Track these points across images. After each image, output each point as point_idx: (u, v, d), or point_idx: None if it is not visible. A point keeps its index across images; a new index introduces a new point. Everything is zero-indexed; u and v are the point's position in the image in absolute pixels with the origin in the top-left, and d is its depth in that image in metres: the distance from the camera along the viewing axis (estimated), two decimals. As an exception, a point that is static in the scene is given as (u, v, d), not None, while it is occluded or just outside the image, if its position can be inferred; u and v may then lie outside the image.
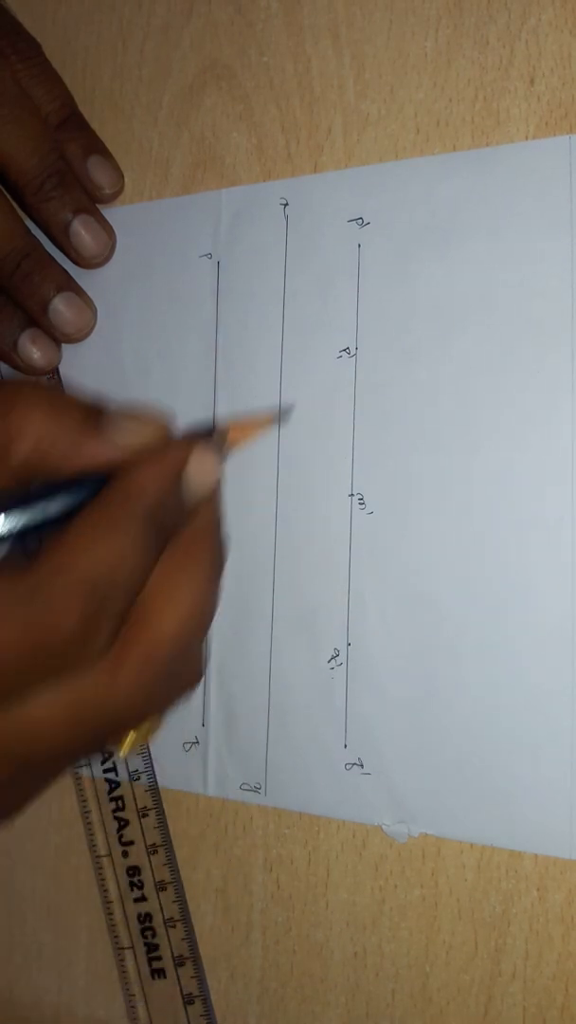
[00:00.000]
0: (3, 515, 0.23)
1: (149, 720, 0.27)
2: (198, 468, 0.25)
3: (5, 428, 0.24)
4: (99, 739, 0.25)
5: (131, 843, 0.34)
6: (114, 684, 0.24)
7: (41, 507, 0.24)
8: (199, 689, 0.33)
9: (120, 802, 0.34)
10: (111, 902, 0.34)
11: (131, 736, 0.28)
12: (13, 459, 0.24)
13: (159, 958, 0.34)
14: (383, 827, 0.30)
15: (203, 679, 0.33)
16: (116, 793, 0.35)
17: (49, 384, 0.28)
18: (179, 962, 0.33)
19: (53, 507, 0.24)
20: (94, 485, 0.24)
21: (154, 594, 0.24)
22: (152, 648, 0.24)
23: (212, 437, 0.26)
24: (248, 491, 0.33)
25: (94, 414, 0.25)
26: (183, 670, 0.26)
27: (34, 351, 0.35)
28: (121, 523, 0.23)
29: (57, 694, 0.23)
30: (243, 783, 0.32)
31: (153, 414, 0.25)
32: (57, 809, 0.37)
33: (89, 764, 0.35)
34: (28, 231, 0.34)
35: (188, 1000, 0.33)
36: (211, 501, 0.26)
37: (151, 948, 0.34)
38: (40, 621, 0.22)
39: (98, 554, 0.23)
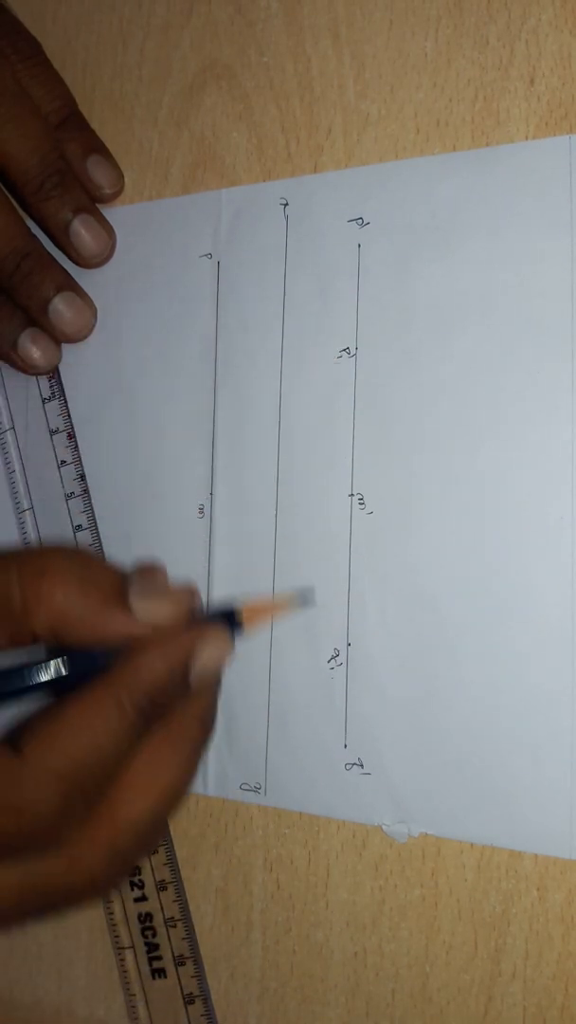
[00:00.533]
0: (25, 671, 0.25)
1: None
2: (209, 655, 0.26)
3: (35, 593, 0.24)
4: (52, 910, 0.26)
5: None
6: (71, 870, 0.24)
7: (54, 668, 0.25)
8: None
9: (120, 802, 0.34)
10: (111, 902, 0.34)
11: None
12: (36, 624, 0.25)
13: (159, 958, 0.34)
14: (383, 827, 0.30)
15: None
16: (116, 793, 0.35)
17: (81, 552, 0.27)
18: (179, 962, 0.33)
19: (65, 670, 0.25)
20: (108, 657, 0.25)
21: (131, 777, 0.25)
22: (118, 834, 0.25)
23: (232, 617, 0.27)
24: (248, 491, 0.33)
25: (122, 585, 0.25)
26: (149, 843, 0.26)
27: (34, 351, 0.35)
28: (110, 711, 0.24)
29: (13, 871, 0.24)
30: (243, 783, 0.32)
31: (180, 590, 0.26)
32: (57, 809, 0.37)
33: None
34: (28, 231, 0.34)
35: (188, 1000, 0.33)
36: (212, 683, 0.27)
37: (151, 948, 0.34)
38: (17, 807, 0.23)
39: (82, 743, 0.24)
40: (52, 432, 0.35)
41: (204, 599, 0.33)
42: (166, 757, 0.26)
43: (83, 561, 0.26)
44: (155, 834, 0.26)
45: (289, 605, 0.28)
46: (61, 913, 0.27)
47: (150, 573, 0.26)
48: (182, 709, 0.26)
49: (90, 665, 0.25)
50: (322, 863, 0.32)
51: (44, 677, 0.25)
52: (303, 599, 0.29)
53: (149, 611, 0.25)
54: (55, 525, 0.35)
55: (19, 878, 0.25)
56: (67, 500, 0.35)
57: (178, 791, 0.26)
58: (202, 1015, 0.33)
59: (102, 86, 0.36)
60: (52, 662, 0.26)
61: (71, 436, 0.35)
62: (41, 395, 0.36)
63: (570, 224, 0.29)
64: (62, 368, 0.36)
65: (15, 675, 0.25)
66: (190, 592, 0.26)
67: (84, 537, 0.34)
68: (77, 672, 0.26)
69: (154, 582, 0.26)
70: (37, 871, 0.25)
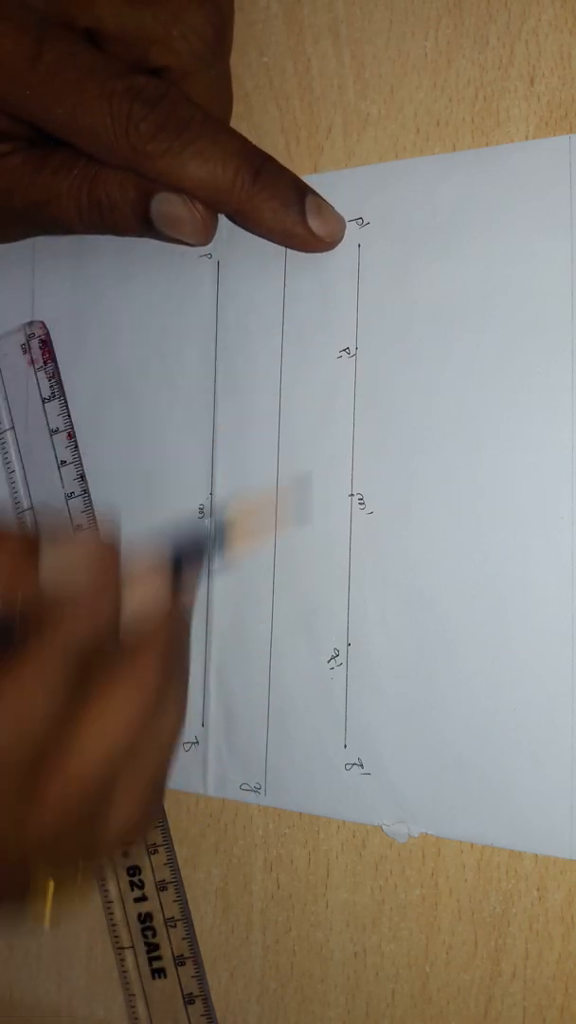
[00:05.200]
0: None
1: (73, 874, 0.25)
2: (138, 601, 0.24)
3: None
4: (8, 885, 0.25)
5: (131, 843, 0.34)
6: (21, 837, 0.23)
7: None
8: (199, 689, 0.33)
9: (120, 802, 0.34)
10: (111, 902, 0.34)
11: (50, 893, 0.25)
12: None
13: (159, 958, 0.34)
14: (383, 827, 0.30)
15: (204, 682, 0.33)
16: (116, 793, 0.35)
17: None
18: (179, 962, 0.33)
19: None
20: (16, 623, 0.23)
21: (74, 729, 0.23)
22: (67, 788, 0.23)
23: (211, 542, 0.25)
24: (248, 491, 0.33)
25: (31, 545, 0.24)
26: (106, 810, 0.24)
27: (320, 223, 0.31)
28: (30, 686, 0.22)
29: None
30: (243, 783, 0.32)
31: (92, 541, 0.24)
32: (57, 809, 0.37)
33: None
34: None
35: (188, 1000, 0.33)
36: (161, 625, 0.25)
37: (151, 948, 0.34)
38: None
39: (9, 715, 0.22)
40: (52, 432, 0.35)
41: (205, 601, 0.33)
42: (109, 702, 0.24)
43: None
44: (107, 780, 0.24)
45: (285, 509, 0.26)
46: (22, 892, 0.25)
47: (60, 539, 0.24)
48: (131, 655, 0.24)
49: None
50: (322, 863, 0.32)
51: None
52: (300, 490, 0.27)
53: (59, 570, 0.24)
54: (55, 525, 0.35)
55: None
56: (67, 500, 0.35)
57: (127, 731, 0.24)
58: (202, 1015, 0.33)
59: (102, 86, 0.36)
60: None
61: (71, 436, 0.35)
62: (41, 395, 0.36)
63: (570, 224, 0.29)
64: (62, 368, 0.36)
65: None
66: (106, 541, 0.24)
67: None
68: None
69: (64, 536, 0.24)
70: None
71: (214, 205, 0.30)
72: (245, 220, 0.31)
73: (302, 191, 0.30)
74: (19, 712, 0.22)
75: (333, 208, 0.31)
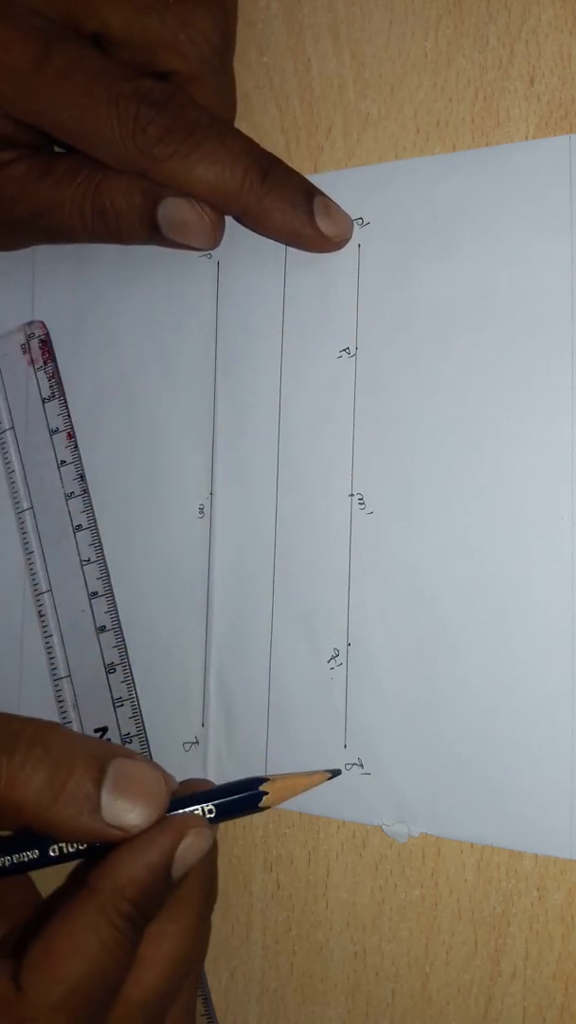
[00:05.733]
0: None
1: None
2: (188, 851, 0.26)
3: (4, 800, 0.25)
4: None
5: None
6: None
7: (28, 856, 0.27)
8: (199, 689, 0.33)
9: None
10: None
11: None
12: (8, 824, 0.25)
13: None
14: (383, 827, 0.30)
15: (204, 682, 0.33)
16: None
17: (54, 741, 0.26)
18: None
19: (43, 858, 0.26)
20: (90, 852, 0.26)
21: (133, 965, 0.25)
22: (129, 1016, 0.25)
23: (251, 788, 0.28)
24: (248, 491, 0.33)
25: (95, 779, 0.25)
26: (162, 1015, 0.27)
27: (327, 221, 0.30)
28: (99, 928, 0.24)
29: None
30: (243, 783, 0.32)
31: (152, 783, 0.26)
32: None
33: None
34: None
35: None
36: (202, 861, 0.27)
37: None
38: None
39: (77, 965, 0.24)
40: (52, 432, 0.35)
41: (205, 601, 0.33)
42: (167, 931, 0.26)
43: (55, 760, 0.25)
44: (167, 1004, 0.27)
45: (315, 783, 0.29)
46: None
47: (124, 766, 0.26)
48: (179, 887, 0.27)
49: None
50: (322, 863, 0.32)
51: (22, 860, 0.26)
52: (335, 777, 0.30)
53: (122, 816, 0.25)
54: (55, 525, 0.35)
55: None
56: (67, 500, 0.35)
57: (186, 959, 0.27)
58: (202, 1015, 0.33)
59: (102, 86, 0.36)
60: (30, 852, 0.27)
61: (71, 436, 0.35)
62: (41, 395, 0.36)
63: (570, 224, 0.29)
64: (62, 368, 0.36)
65: None
66: (162, 785, 0.26)
67: (84, 537, 0.34)
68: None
69: (126, 780, 0.26)
70: None
71: (223, 208, 0.30)
72: (254, 222, 0.30)
73: (310, 192, 0.30)
74: (88, 957, 0.24)
75: (341, 208, 0.31)
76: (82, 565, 0.34)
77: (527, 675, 0.28)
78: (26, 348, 0.36)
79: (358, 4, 0.32)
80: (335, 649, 0.31)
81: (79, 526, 0.35)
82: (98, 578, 0.34)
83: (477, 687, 0.29)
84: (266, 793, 0.28)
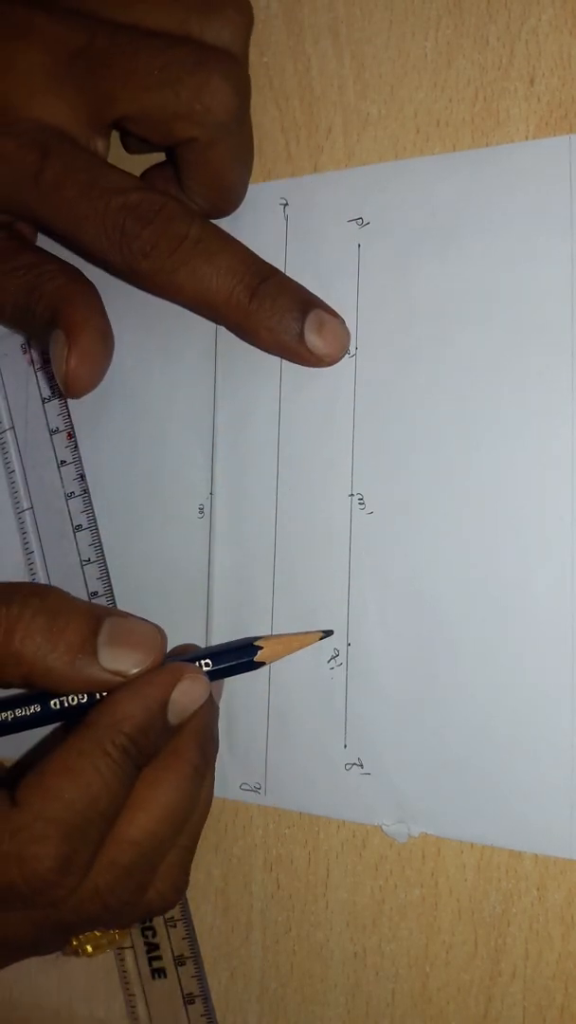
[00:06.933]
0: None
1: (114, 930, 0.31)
2: (183, 695, 0.27)
3: (3, 652, 0.26)
4: (70, 935, 0.29)
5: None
6: (80, 897, 0.26)
7: (29, 712, 0.28)
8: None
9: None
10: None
11: (97, 936, 0.30)
12: (7, 676, 0.27)
13: (159, 958, 0.34)
14: (383, 827, 0.30)
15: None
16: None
17: (51, 597, 0.28)
18: (179, 962, 0.33)
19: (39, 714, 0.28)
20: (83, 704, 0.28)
21: (131, 800, 0.27)
22: (120, 852, 0.27)
23: (247, 652, 0.29)
24: (248, 491, 0.33)
25: (92, 632, 0.27)
26: (150, 879, 0.28)
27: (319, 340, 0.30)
28: (96, 757, 0.26)
29: (24, 914, 0.26)
30: (243, 783, 0.32)
31: (147, 635, 0.28)
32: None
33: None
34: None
35: (188, 1000, 0.33)
36: (198, 713, 0.28)
37: (151, 948, 0.34)
38: (19, 855, 0.24)
39: (73, 787, 0.25)
40: (52, 432, 0.35)
41: (205, 601, 0.33)
42: (162, 778, 0.27)
43: (52, 609, 0.27)
44: (159, 850, 0.28)
45: (310, 642, 0.30)
46: (69, 938, 0.30)
47: (119, 621, 0.28)
48: (176, 736, 0.28)
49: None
50: (322, 863, 0.32)
51: (23, 714, 0.28)
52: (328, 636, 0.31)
53: (118, 661, 0.27)
54: (55, 525, 0.35)
55: (31, 917, 0.26)
56: (67, 500, 0.35)
57: (178, 807, 0.28)
58: (202, 1015, 0.33)
59: (102, 86, 0.36)
60: (31, 705, 0.28)
61: (71, 436, 0.35)
62: (41, 395, 0.36)
63: (570, 224, 0.29)
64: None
65: None
66: (157, 636, 0.28)
67: (84, 537, 0.34)
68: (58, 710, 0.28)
69: (122, 630, 0.27)
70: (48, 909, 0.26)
71: (212, 319, 0.31)
72: (243, 336, 0.31)
73: (305, 307, 0.30)
74: (84, 782, 0.25)
75: (339, 323, 0.31)
76: (82, 565, 0.34)
77: (527, 675, 0.28)
78: (26, 348, 0.36)
79: (358, 4, 0.32)
80: (335, 649, 0.31)
81: (79, 526, 0.35)
82: (98, 578, 0.34)
83: (477, 687, 0.29)
84: (261, 648, 0.29)
